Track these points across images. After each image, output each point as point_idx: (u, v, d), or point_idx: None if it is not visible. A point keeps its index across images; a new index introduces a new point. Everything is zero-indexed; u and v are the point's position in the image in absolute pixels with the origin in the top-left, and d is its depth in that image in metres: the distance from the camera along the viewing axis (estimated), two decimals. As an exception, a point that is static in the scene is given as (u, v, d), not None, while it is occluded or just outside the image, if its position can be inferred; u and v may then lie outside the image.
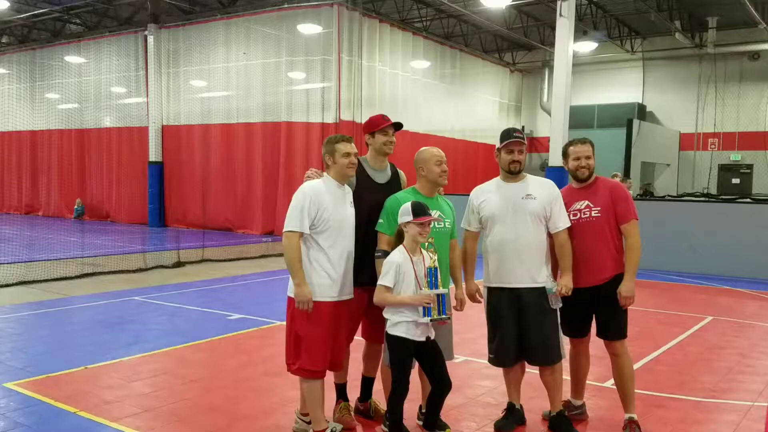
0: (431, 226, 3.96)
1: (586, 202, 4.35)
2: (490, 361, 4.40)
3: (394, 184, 4.43)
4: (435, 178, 4.20)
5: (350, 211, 4.13)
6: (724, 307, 9.10)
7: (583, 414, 4.64)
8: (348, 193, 4.17)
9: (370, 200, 4.25)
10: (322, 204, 3.98)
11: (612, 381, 4.58)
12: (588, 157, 4.38)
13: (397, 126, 4.38)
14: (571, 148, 4.44)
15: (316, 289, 3.94)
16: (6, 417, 4.47)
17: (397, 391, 3.89)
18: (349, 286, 4.12)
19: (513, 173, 4.29)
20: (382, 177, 4.41)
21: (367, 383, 4.60)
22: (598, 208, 4.30)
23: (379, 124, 4.33)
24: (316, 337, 3.96)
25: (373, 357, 4.50)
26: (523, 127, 25.29)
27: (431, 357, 3.93)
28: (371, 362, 4.53)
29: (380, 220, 4.14)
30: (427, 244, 3.89)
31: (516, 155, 4.25)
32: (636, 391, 4.45)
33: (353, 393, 4.60)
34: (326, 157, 4.10)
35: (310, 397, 4.06)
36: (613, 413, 4.64)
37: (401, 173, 4.56)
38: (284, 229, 3.96)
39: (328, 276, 3.99)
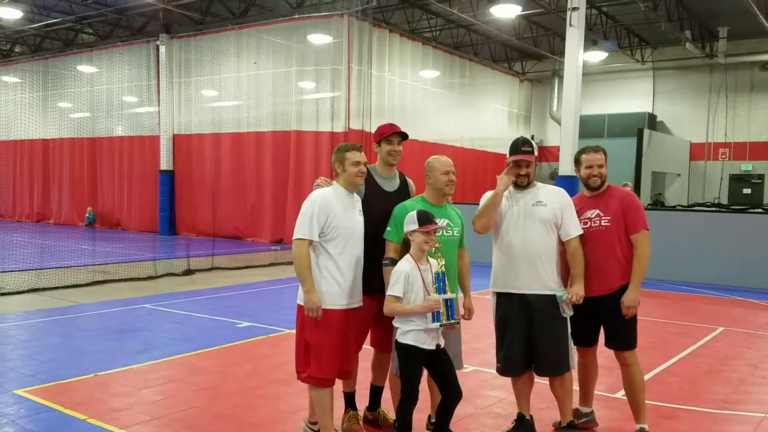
0: (439, 234, 3.96)
1: (597, 211, 4.33)
2: (498, 370, 4.37)
3: (402, 193, 4.43)
4: (441, 186, 4.18)
5: (359, 219, 4.14)
6: (735, 318, 9.02)
7: (592, 422, 4.60)
8: (357, 201, 4.18)
9: (378, 208, 4.27)
10: (331, 212, 3.99)
11: (623, 392, 4.55)
12: (600, 166, 4.37)
13: (404, 135, 4.39)
14: (584, 156, 4.42)
15: (325, 297, 3.95)
16: (16, 424, 4.49)
17: (407, 400, 3.87)
18: (359, 294, 4.12)
19: (521, 187, 4.29)
20: (390, 185, 4.42)
21: (375, 392, 4.59)
22: (608, 217, 4.28)
23: (383, 133, 4.37)
24: (326, 345, 3.96)
25: (382, 366, 4.48)
26: (532, 136, 25.24)
27: (441, 365, 3.91)
28: (380, 371, 4.52)
29: (388, 228, 4.14)
30: (433, 249, 3.88)
31: (523, 169, 4.22)
32: (647, 401, 4.42)
33: (362, 402, 4.59)
34: (336, 165, 4.12)
35: (318, 405, 4.06)
36: (623, 424, 4.61)
37: (410, 182, 4.57)
38: (294, 237, 3.98)
39: (337, 284, 3.99)
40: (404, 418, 3.88)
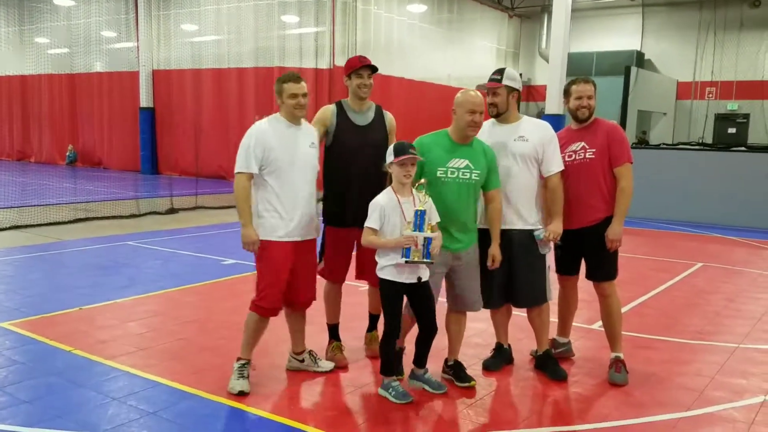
0: (454, 176, 3.88)
1: (582, 144, 4.30)
2: None
3: (376, 127, 4.39)
4: (463, 125, 3.91)
5: (307, 152, 4.07)
6: (714, 254, 9.19)
7: (568, 351, 4.73)
8: (306, 133, 4.11)
9: (350, 143, 4.29)
10: (267, 144, 3.95)
11: (599, 323, 4.65)
12: (590, 97, 4.30)
13: (373, 68, 4.33)
14: (574, 86, 4.35)
15: (267, 229, 3.96)
16: (1, 355, 4.52)
17: (388, 334, 3.89)
18: (306, 228, 4.09)
19: (495, 116, 4.25)
20: (362, 119, 4.38)
21: (372, 318, 4.76)
22: (593, 150, 4.27)
23: (353, 66, 4.32)
24: (267, 276, 4.02)
25: (376, 296, 4.56)
26: (521, 74, 24.93)
27: (420, 300, 3.88)
28: (374, 300, 4.60)
29: None
30: (419, 186, 3.76)
31: (491, 98, 4.17)
32: (623, 333, 4.51)
33: (345, 333, 4.69)
34: (276, 96, 4.07)
35: (246, 326, 4.12)
36: (599, 353, 4.73)
37: (388, 115, 4.51)
38: (234, 171, 3.99)
39: (279, 216, 3.98)
40: (387, 351, 3.92)
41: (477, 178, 3.95)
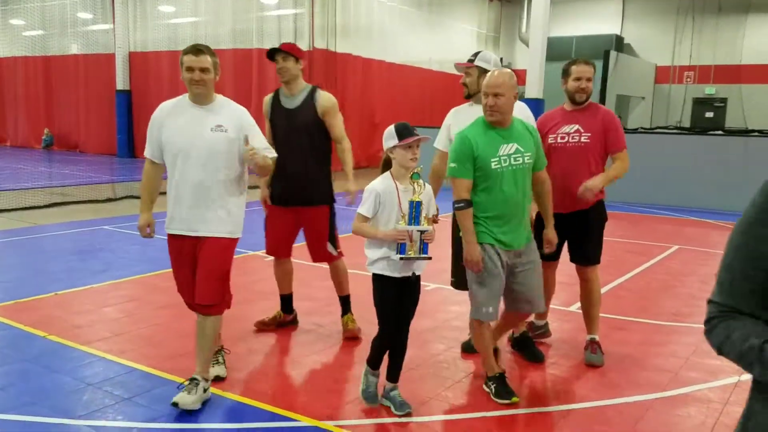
0: (506, 164, 3.56)
1: (577, 126, 4.23)
2: (452, 284, 4.41)
3: (305, 111, 4.49)
4: (484, 110, 3.64)
5: (209, 136, 3.53)
6: (690, 237, 9.30)
7: (546, 333, 4.76)
8: (215, 114, 3.59)
9: (279, 126, 4.53)
10: (164, 125, 3.59)
11: (577, 305, 4.69)
12: (589, 80, 4.23)
13: (285, 52, 4.43)
14: (574, 67, 4.25)
15: (166, 221, 3.68)
16: (-26, 341, 4.46)
17: (380, 335, 3.52)
18: (204, 223, 3.58)
19: (466, 97, 4.29)
20: (291, 103, 4.54)
21: (342, 300, 4.81)
22: (588, 134, 4.20)
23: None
24: (173, 268, 3.82)
25: (334, 276, 4.76)
26: (501, 59, 24.85)
27: (407, 298, 3.50)
28: (336, 282, 4.79)
29: (451, 165, 3.61)
30: (414, 174, 3.34)
31: (463, 78, 4.25)
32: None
33: (325, 317, 4.67)
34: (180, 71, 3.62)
35: None
36: (576, 335, 4.78)
37: (321, 97, 4.51)
38: None
39: (173, 206, 3.63)
40: (377, 348, 3.59)
41: (529, 161, 3.66)
